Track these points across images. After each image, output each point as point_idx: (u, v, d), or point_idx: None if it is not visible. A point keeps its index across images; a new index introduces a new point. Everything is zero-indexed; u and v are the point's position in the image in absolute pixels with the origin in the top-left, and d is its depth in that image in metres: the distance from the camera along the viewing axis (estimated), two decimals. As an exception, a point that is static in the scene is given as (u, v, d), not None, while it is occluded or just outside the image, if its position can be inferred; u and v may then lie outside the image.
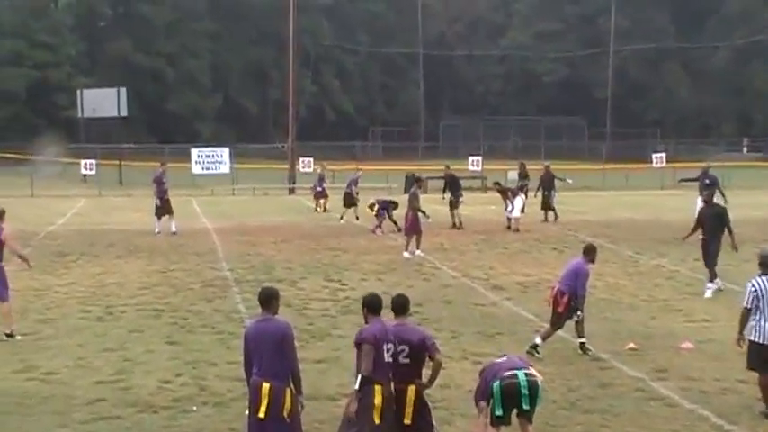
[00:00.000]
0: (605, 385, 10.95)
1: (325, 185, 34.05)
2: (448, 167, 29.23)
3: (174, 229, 25.91)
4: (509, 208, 26.99)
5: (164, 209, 26.00)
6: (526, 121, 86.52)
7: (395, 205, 26.95)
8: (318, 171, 34.78)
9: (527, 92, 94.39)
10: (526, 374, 8.09)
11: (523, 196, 27.97)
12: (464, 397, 10.38)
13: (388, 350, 7.78)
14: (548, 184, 29.79)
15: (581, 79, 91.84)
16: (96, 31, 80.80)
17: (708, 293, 16.46)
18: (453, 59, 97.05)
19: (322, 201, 33.30)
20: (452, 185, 27.95)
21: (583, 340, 12.40)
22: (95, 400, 10.39)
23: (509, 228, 26.75)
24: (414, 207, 21.78)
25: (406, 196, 23.18)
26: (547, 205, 29.38)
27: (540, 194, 29.78)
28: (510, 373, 8.08)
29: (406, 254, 21.47)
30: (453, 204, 27.41)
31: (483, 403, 8.24)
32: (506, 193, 27.47)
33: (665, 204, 36.58)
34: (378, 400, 7.61)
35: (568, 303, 12.15)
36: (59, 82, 72.69)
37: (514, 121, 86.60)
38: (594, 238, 24.66)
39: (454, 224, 27.09)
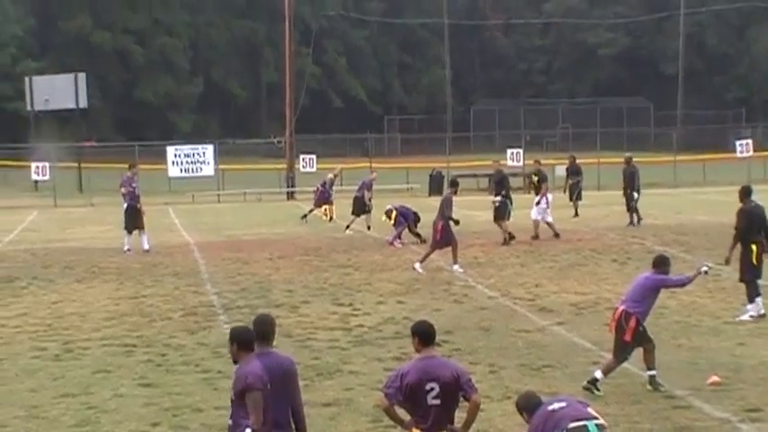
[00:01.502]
0: (683, 429, 10.89)
1: (332, 191, 33.88)
2: (498, 162, 28.85)
3: (146, 245, 26.01)
4: (540, 206, 26.90)
5: (134, 220, 26.10)
6: (577, 104, 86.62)
7: (417, 217, 26.94)
8: (330, 176, 34.32)
9: (578, 68, 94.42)
10: (598, 427, 7.97)
11: (550, 196, 27.60)
12: (507, 446, 10.35)
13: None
14: (629, 181, 30.15)
15: (645, 51, 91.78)
16: (48, 4, 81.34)
17: None
18: (486, 30, 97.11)
19: (325, 207, 33.26)
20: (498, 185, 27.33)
21: (653, 373, 12.34)
22: (53, 457, 10.42)
23: (557, 236, 26.66)
24: (445, 215, 21.83)
25: (431, 201, 23.12)
26: (629, 206, 29.92)
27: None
28: (578, 424, 7.94)
29: (417, 266, 21.66)
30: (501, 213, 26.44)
31: None
32: (543, 184, 27.31)
33: (752, 203, 36.33)
34: None
35: (636, 329, 12.11)
36: (3, 67, 73.24)
37: (563, 105, 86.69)
38: (665, 247, 24.56)
39: (506, 237, 26.04)
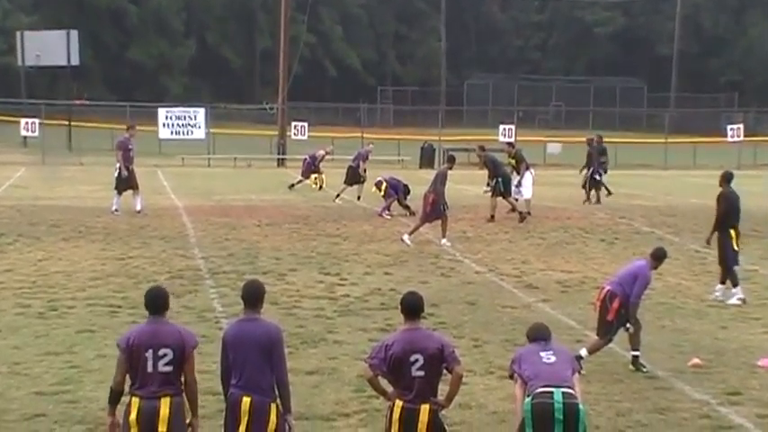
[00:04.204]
0: (663, 410, 10.97)
1: (320, 166, 33.69)
2: (482, 148, 28.51)
3: (138, 206, 26.02)
4: (517, 186, 26.49)
5: (128, 181, 26.10)
6: (571, 81, 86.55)
7: (407, 189, 26.90)
8: (322, 152, 33.95)
9: (573, 46, 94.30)
10: (564, 395, 8.11)
11: (531, 174, 27.08)
12: (487, 420, 10.42)
13: (159, 356, 7.81)
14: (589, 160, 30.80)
15: (640, 31, 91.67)
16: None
17: None
18: (483, 4, 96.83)
19: (315, 176, 33.29)
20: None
21: (636, 353, 12.42)
22: (34, 415, 10.41)
23: (513, 211, 26.06)
24: (437, 191, 21.83)
25: (422, 174, 22.99)
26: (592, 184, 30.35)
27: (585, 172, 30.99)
28: (545, 390, 8.12)
29: (406, 238, 21.64)
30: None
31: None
32: (521, 164, 27.01)
33: (741, 188, 36.53)
34: (132, 416, 7.78)
35: (619, 310, 12.17)
36: (-6, 21, 72.69)
37: (557, 82, 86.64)
38: (653, 229, 24.70)
39: (492, 215, 25.96)
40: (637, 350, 12.43)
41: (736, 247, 16.75)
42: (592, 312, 12.94)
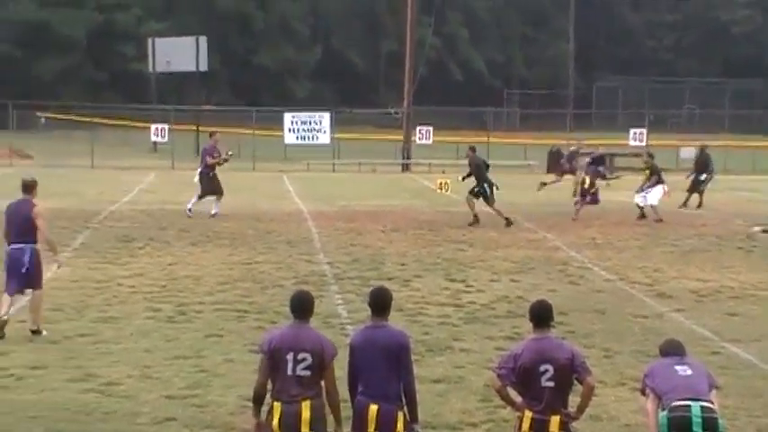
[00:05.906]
0: (805, 426, 10.64)
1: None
2: (473, 149, 28.65)
3: (214, 210, 26.78)
4: (640, 191, 27.27)
5: (212, 186, 26.99)
6: (706, 84, 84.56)
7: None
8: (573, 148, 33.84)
9: (709, 46, 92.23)
10: (702, 408, 7.95)
11: (661, 188, 27.34)
12: (620, 433, 10.27)
13: (299, 360, 7.81)
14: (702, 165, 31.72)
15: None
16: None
17: None
18: (614, 4, 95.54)
19: (444, 181, 33.33)
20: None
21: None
22: (164, 418, 10.65)
23: (644, 217, 26.93)
24: None
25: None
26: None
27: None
28: (682, 403, 7.96)
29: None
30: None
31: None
32: (653, 177, 27.21)
33: None
34: (275, 421, 7.78)
35: None
36: (126, 28, 74.82)
37: (691, 84, 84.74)
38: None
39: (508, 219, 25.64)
40: None
41: None
42: (729, 323, 12.64)
